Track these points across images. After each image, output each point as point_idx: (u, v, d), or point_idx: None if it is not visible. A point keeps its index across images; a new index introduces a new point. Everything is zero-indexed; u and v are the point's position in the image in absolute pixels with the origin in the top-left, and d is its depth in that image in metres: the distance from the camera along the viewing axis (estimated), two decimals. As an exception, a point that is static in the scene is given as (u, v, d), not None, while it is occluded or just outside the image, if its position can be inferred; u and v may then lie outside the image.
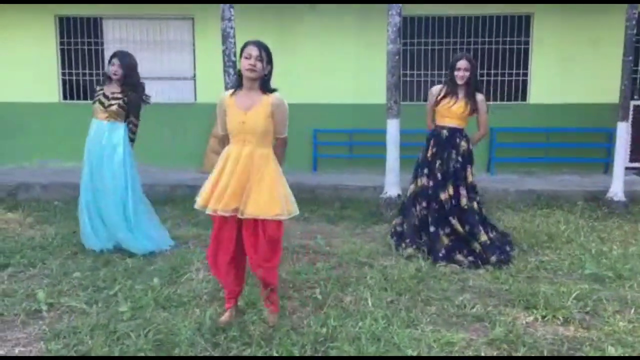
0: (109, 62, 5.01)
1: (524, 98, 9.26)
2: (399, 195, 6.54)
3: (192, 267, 4.52)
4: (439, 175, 5.00)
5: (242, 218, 3.24)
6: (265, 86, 3.28)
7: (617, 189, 6.84)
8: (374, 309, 3.66)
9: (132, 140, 5.10)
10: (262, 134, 3.26)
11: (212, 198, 3.28)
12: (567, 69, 8.93)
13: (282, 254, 4.90)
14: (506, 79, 9.25)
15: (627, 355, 3.08)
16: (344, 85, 8.95)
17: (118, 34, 9.34)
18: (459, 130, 5.02)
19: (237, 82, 3.38)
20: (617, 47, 7.15)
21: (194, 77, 9.36)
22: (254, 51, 3.18)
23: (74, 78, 9.44)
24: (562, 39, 8.94)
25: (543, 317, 3.61)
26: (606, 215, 6.51)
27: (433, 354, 3.08)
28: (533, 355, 3.10)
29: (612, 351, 3.11)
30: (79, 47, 9.35)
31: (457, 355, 3.08)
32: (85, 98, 9.46)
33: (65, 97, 9.46)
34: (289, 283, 4.18)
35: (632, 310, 3.72)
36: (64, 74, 9.42)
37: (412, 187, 5.22)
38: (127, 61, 4.99)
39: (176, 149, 9.10)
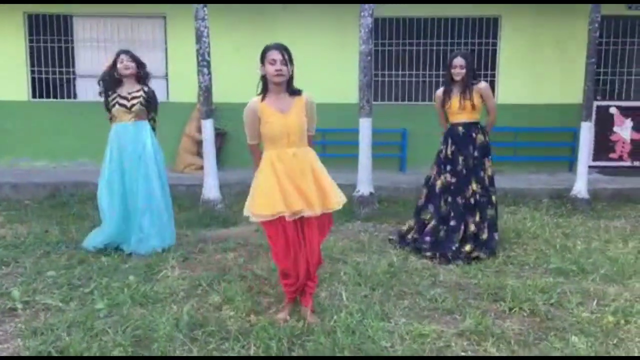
0: (114, 61, 4.91)
1: (492, 98, 9.46)
2: (371, 193, 6.66)
3: (167, 264, 4.54)
4: (463, 171, 5.05)
5: (311, 216, 3.32)
6: (291, 88, 3.38)
7: (580, 187, 7.08)
8: (348, 304, 3.74)
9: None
10: (304, 133, 3.37)
11: (275, 203, 3.26)
12: (533, 70, 9.18)
13: (256, 252, 5.01)
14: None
15: (589, 344, 3.23)
16: (317, 85, 8.99)
17: (89, 33, 9.26)
18: (474, 125, 5.11)
19: (262, 88, 3.40)
20: (581, 49, 7.40)
21: (166, 76, 9.33)
22: (277, 55, 3.24)
23: (44, 76, 9.31)
24: (529, 41, 9.19)
25: (510, 309, 3.74)
26: (570, 212, 6.74)
27: (406, 345, 3.18)
28: (501, 346, 3.22)
29: (575, 340, 3.25)
30: (49, 44, 9.24)
31: (429, 347, 3.19)
32: (55, 96, 9.35)
33: (34, 96, 9.33)
34: (264, 279, 4.25)
35: (595, 302, 3.88)
36: (33, 72, 9.29)
37: (435, 183, 5.20)
38: (135, 55, 4.97)
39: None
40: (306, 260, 3.43)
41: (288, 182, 3.28)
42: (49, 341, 3.15)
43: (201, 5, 6.39)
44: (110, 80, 4.93)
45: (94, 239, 4.96)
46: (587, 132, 7.14)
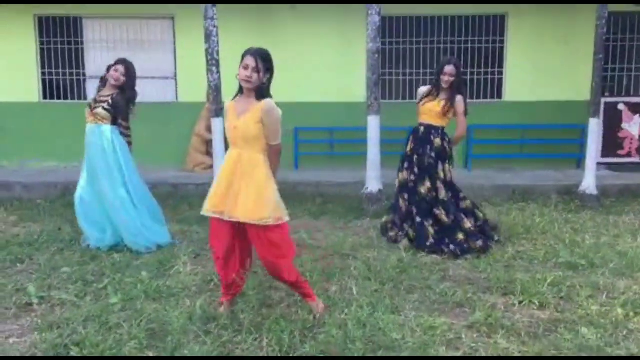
0: (111, 67, 5.01)
1: (499, 96, 9.49)
2: (380, 190, 6.69)
3: (179, 261, 4.59)
4: (416, 169, 5.23)
5: (248, 224, 3.26)
6: (259, 94, 3.28)
7: (589, 183, 7.08)
8: (359, 297, 3.79)
9: (129, 143, 5.13)
10: (253, 139, 3.27)
11: (208, 199, 3.39)
12: (540, 67, 9.18)
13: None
14: (482, 77, 9.47)
15: (599, 336, 3.25)
16: (325, 84, 9.08)
17: (98, 34, 9.34)
18: (435, 128, 5.21)
19: (239, 88, 3.39)
20: (588, 46, 7.40)
21: (175, 77, 9.40)
22: (251, 62, 3.20)
23: (54, 78, 9.41)
24: (535, 38, 9.19)
25: (520, 302, 3.77)
26: (579, 208, 6.74)
27: (416, 337, 3.22)
28: (512, 339, 3.25)
29: (585, 332, 3.28)
30: (59, 46, 9.33)
31: (439, 339, 3.22)
32: (65, 98, 9.45)
33: (45, 97, 9.42)
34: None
35: (604, 295, 3.90)
36: (43, 74, 9.38)
37: (396, 181, 5.46)
38: (132, 71, 5.05)
39: (158, 148, 9.11)
40: (237, 269, 3.46)
41: (225, 183, 3.31)
42: (65, 334, 3.21)
43: (210, 5, 6.44)
44: (101, 84, 5.14)
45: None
46: (595, 128, 7.14)
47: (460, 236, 4.96)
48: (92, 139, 5.02)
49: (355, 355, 2.99)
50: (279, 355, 3.03)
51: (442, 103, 5.12)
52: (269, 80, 3.32)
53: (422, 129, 5.26)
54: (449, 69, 5.07)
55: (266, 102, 3.25)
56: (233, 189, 3.27)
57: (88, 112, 5.05)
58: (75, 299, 3.79)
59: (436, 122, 5.20)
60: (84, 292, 3.94)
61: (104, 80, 5.10)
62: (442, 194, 5.13)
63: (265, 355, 3.04)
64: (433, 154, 5.16)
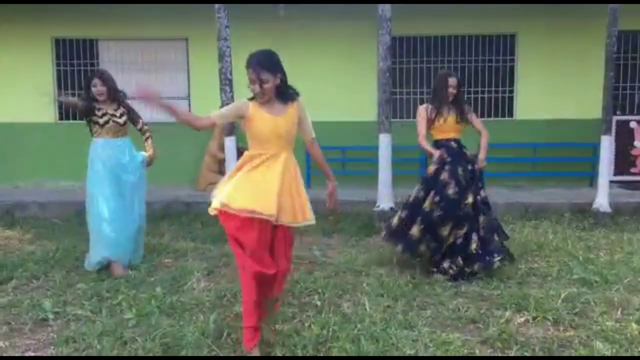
0: (90, 86, 4.93)
1: (510, 114, 9.52)
2: (391, 208, 6.70)
3: (192, 277, 4.62)
4: (463, 181, 4.87)
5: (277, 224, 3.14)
6: (283, 96, 3.19)
7: (602, 201, 7.05)
8: (372, 313, 3.78)
9: (151, 137, 5.23)
10: (292, 139, 3.26)
11: (250, 200, 3.04)
12: (551, 85, 9.22)
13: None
14: (493, 96, 9.52)
15: (614, 351, 3.23)
16: (337, 103, 9.16)
17: (113, 55, 9.53)
18: (461, 142, 5.11)
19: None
20: (598, 64, 7.42)
21: (188, 97, 9.54)
22: (253, 75, 3.07)
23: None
24: (546, 57, 9.24)
25: (534, 318, 3.75)
26: (592, 225, 6.71)
27: (430, 352, 3.21)
28: (526, 354, 3.23)
29: (600, 347, 3.25)
30: (75, 68, 9.52)
31: (453, 354, 3.21)
32: (80, 118, 9.56)
33: (61, 118, 9.59)
34: (288, 291, 4.30)
35: (619, 311, 3.87)
36: (60, 95, 9.56)
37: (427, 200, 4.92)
38: (106, 75, 4.98)
39: (171, 167, 9.19)
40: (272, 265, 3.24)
41: (272, 186, 3.13)
42: (81, 349, 3.24)
43: (224, 25, 6.56)
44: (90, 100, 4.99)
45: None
46: (607, 146, 7.13)
47: (460, 261, 4.75)
48: (120, 151, 5.03)
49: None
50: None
51: (459, 116, 5.03)
52: (283, 79, 3.16)
53: (453, 143, 5.04)
54: (453, 80, 5.00)
55: (299, 100, 3.24)
56: (285, 191, 3.14)
57: (115, 127, 4.98)
58: (90, 314, 3.82)
59: (460, 135, 5.12)
60: (99, 307, 3.97)
61: (91, 99, 4.95)
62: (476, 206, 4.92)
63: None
64: (470, 167, 4.98)
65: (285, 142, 3.21)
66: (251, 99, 3.21)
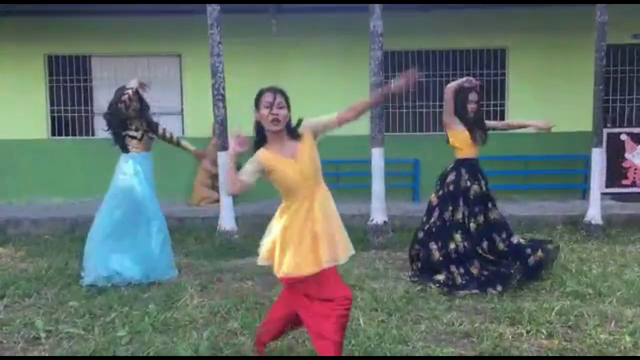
0: (122, 99, 5.11)
1: (502, 128, 9.57)
2: (385, 222, 6.71)
3: (185, 293, 4.61)
4: (470, 204, 5.05)
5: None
6: (292, 132, 3.00)
7: (594, 213, 7.08)
8: (366, 328, 3.79)
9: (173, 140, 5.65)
10: (318, 172, 3.03)
11: (307, 260, 2.89)
12: (542, 99, 9.28)
13: (273, 280, 5.07)
14: (484, 109, 9.56)
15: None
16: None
17: (106, 72, 9.53)
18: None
19: (258, 139, 3.02)
20: (588, 78, 7.48)
21: (181, 112, 9.55)
22: (272, 98, 2.88)
23: (63, 115, 9.58)
24: (536, 71, 9.33)
25: (527, 331, 3.76)
26: (585, 238, 6.74)
27: (424, 367, 3.21)
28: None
29: (593, 360, 3.27)
30: (68, 84, 9.52)
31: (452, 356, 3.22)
32: (74, 134, 9.59)
33: (53, 134, 9.57)
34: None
35: (613, 324, 3.89)
36: (52, 111, 9.56)
37: (447, 216, 5.06)
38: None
39: (165, 182, 9.15)
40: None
41: (321, 230, 2.93)
42: (73, 367, 3.22)
43: (217, 42, 6.60)
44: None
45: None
46: (598, 158, 7.18)
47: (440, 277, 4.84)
48: (148, 164, 5.34)
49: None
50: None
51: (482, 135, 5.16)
52: (290, 117, 3.03)
53: (475, 162, 5.18)
54: (475, 96, 5.09)
55: (301, 128, 3.03)
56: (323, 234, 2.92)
57: (146, 140, 5.34)
58: (82, 332, 3.80)
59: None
60: (92, 325, 3.95)
61: (123, 114, 5.13)
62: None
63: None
64: (484, 187, 5.13)
65: (313, 180, 2.99)
66: (257, 146, 3.00)
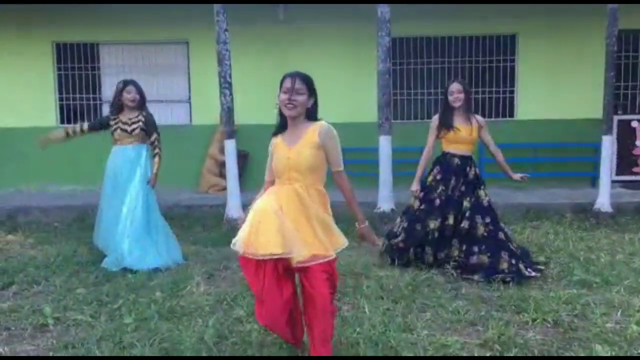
0: (122, 90, 5.24)
1: (511, 115, 9.51)
2: (392, 209, 6.70)
3: (192, 281, 4.63)
4: (437, 202, 5.06)
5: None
6: (311, 117, 2.99)
7: (604, 201, 7.03)
8: (371, 316, 3.78)
9: (159, 155, 5.39)
10: (311, 171, 2.94)
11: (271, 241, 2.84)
12: (552, 85, 9.20)
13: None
14: (494, 96, 9.50)
15: (613, 353, 3.22)
16: (337, 105, 9.13)
17: (114, 59, 9.54)
18: (470, 159, 5.10)
19: (280, 124, 3.05)
20: (599, 64, 7.41)
21: (189, 100, 9.55)
22: (290, 83, 2.86)
23: (71, 102, 9.61)
24: (546, 57, 9.23)
25: (533, 320, 3.74)
26: (594, 226, 6.69)
27: (428, 355, 3.21)
28: (525, 355, 3.23)
29: (599, 349, 3.25)
30: (76, 72, 9.54)
31: (452, 356, 3.21)
32: (82, 122, 9.60)
33: (62, 122, 9.61)
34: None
35: (619, 313, 3.86)
36: (61, 99, 9.59)
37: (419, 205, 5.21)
38: (140, 88, 5.32)
39: (172, 170, 9.19)
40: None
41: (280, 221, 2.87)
42: (80, 354, 3.25)
43: (223, 29, 6.57)
44: (114, 107, 5.34)
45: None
46: (608, 146, 7.12)
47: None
48: (128, 158, 5.27)
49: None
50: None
51: (475, 128, 5.03)
52: (314, 105, 2.99)
53: (456, 160, 5.07)
54: (455, 86, 4.98)
55: (321, 122, 2.96)
56: (298, 227, 2.90)
57: (122, 134, 5.26)
58: (90, 319, 3.83)
59: (470, 151, 5.10)
60: (99, 312, 3.97)
61: (117, 105, 5.30)
62: (481, 229, 4.88)
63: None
64: (463, 187, 5.01)
65: (296, 173, 2.94)
66: (275, 133, 3.06)
